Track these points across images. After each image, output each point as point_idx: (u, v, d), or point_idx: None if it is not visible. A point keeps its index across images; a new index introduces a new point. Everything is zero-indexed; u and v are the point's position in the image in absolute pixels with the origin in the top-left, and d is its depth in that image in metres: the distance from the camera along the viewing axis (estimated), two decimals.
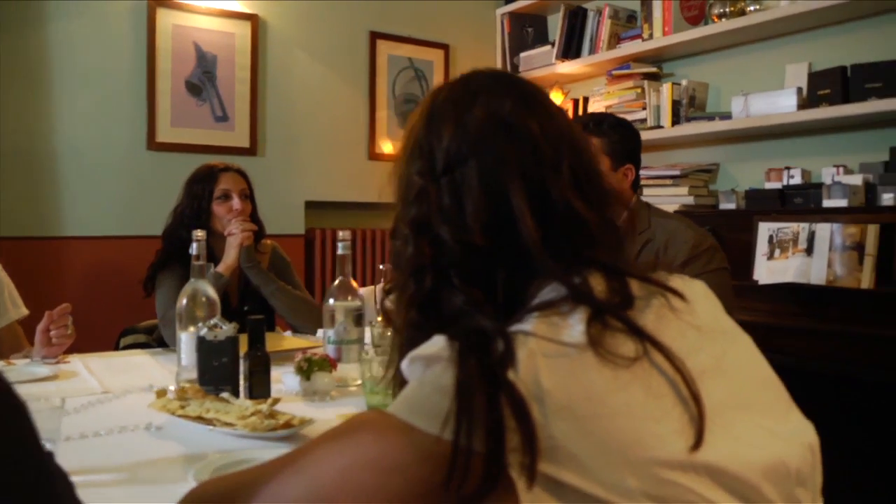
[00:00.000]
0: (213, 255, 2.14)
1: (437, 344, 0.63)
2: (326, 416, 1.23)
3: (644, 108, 3.14)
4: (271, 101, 3.26)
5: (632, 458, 0.58)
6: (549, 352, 0.61)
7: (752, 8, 2.75)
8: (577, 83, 3.57)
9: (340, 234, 1.57)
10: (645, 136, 2.52)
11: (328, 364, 1.39)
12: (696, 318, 0.70)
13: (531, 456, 0.56)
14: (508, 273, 0.70)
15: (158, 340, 2.13)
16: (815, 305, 2.23)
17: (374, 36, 3.50)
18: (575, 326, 0.63)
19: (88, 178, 2.90)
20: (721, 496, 0.59)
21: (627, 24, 3.33)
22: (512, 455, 0.57)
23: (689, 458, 0.59)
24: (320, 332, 2.26)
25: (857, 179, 2.46)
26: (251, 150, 3.19)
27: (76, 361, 1.74)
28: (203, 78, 3.09)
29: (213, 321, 1.30)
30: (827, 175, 2.56)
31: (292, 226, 3.31)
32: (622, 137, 1.92)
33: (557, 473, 0.57)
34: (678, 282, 0.73)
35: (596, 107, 3.35)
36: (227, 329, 1.29)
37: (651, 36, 3.07)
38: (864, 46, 2.52)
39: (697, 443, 0.60)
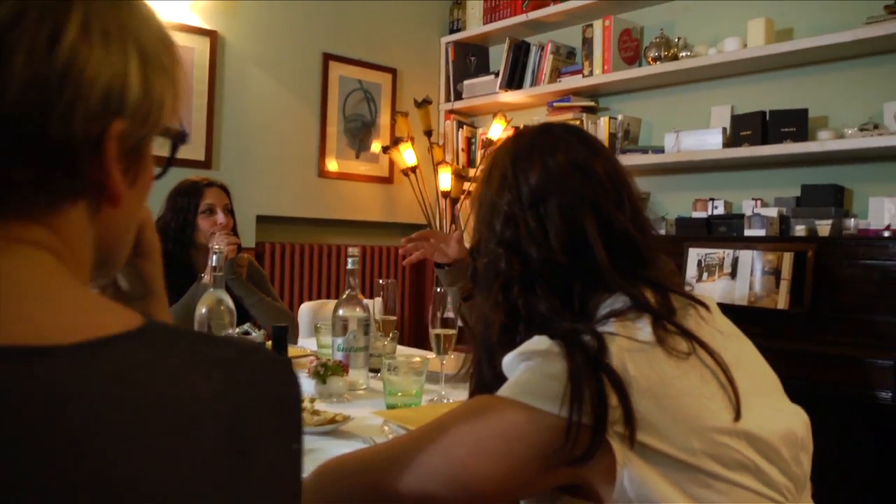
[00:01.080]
0: (194, 266, 2.24)
1: (544, 342, 0.81)
2: (353, 413, 1.39)
3: None
4: (227, 116, 3.34)
5: (695, 426, 0.78)
6: (631, 348, 0.80)
7: (683, 54, 3.08)
8: (518, 112, 3.82)
9: (350, 249, 1.72)
10: None
11: (341, 369, 1.54)
12: (717, 324, 0.92)
13: (631, 427, 0.75)
14: (582, 286, 0.89)
15: None
16: (739, 324, 2.53)
17: (327, 57, 3.64)
18: (644, 329, 0.83)
19: None
20: (754, 455, 0.80)
21: (567, 59, 3.62)
22: (612, 426, 0.76)
23: (733, 426, 0.80)
24: (302, 340, 2.40)
25: (772, 212, 2.80)
26: (206, 164, 3.26)
27: None
28: None
29: (244, 328, 1.43)
30: (747, 207, 2.90)
31: (243, 239, 3.38)
32: None
33: (643, 439, 0.76)
34: (699, 295, 0.95)
35: None
36: (256, 336, 1.42)
37: (591, 73, 3.36)
38: (780, 95, 2.88)
39: (737, 416, 0.80)
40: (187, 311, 2.02)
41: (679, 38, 3.12)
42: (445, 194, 3.67)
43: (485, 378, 0.93)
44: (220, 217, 2.21)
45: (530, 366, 0.81)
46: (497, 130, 3.65)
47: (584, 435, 0.75)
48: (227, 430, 0.45)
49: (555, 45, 3.57)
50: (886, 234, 2.51)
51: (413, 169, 3.61)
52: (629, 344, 0.81)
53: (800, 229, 2.68)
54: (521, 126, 3.70)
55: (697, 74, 3.10)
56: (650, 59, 3.19)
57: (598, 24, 3.32)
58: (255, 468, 0.46)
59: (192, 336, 0.51)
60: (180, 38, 3.04)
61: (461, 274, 2.05)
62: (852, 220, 2.64)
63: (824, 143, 2.65)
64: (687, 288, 0.96)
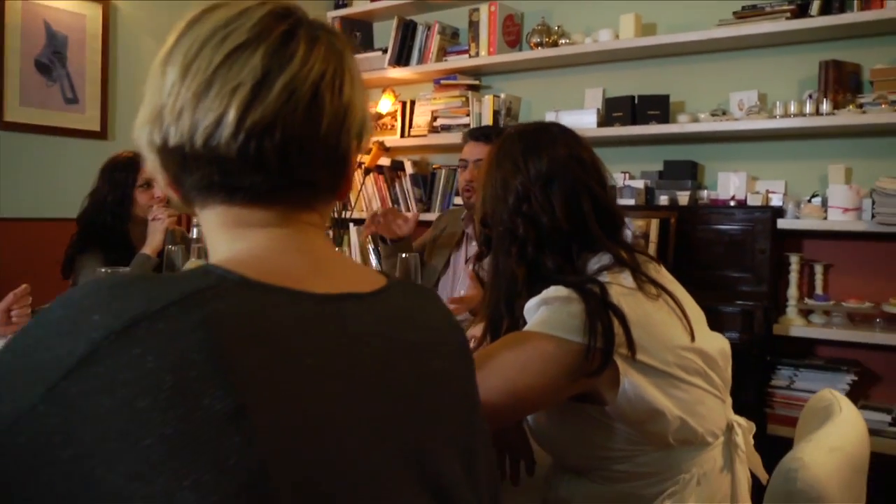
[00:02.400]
0: (131, 239, 2.34)
1: (562, 290, 1.11)
2: None
3: (468, 115, 3.73)
4: (121, 86, 3.34)
5: (668, 345, 1.12)
6: (623, 292, 1.13)
7: (563, 41, 3.46)
8: (405, 87, 4.07)
9: None
10: None
11: None
12: (665, 275, 1.26)
13: (632, 348, 1.08)
14: (578, 247, 1.20)
15: None
16: None
17: None
18: (627, 279, 1.16)
19: None
20: (704, 365, 1.16)
21: (452, 39, 3.90)
22: (618, 348, 1.08)
23: (691, 345, 1.14)
24: None
25: (640, 184, 3.27)
26: (102, 134, 3.26)
27: None
28: (53, 58, 3.10)
29: None
30: (618, 179, 3.35)
31: None
32: None
33: (637, 356, 1.09)
34: (650, 255, 1.29)
35: (423, 110, 3.89)
36: None
37: (477, 54, 3.67)
38: (646, 81, 3.33)
39: (693, 338, 1.15)
40: None
41: (558, 27, 3.50)
42: None
43: (502, 320, 1.23)
44: (158, 191, 2.32)
45: (553, 308, 1.11)
46: (386, 105, 3.89)
47: (597, 355, 1.07)
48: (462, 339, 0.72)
49: (441, 25, 3.85)
50: (732, 203, 3.04)
51: None
52: (620, 290, 1.13)
53: (663, 199, 3.16)
54: (408, 101, 3.97)
55: (574, 60, 3.50)
56: (532, 44, 3.55)
57: (484, 9, 3.63)
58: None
59: (412, 284, 0.76)
60: (72, 6, 3.04)
61: (404, 247, 2.31)
62: (705, 191, 3.16)
63: (683, 125, 3.13)
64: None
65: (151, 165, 0.71)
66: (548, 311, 1.12)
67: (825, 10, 2.84)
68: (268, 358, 0.54)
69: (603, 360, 1.07)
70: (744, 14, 3.01)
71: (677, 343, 1.13)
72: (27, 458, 0.49)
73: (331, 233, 3.94)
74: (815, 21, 2.83)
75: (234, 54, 0.64)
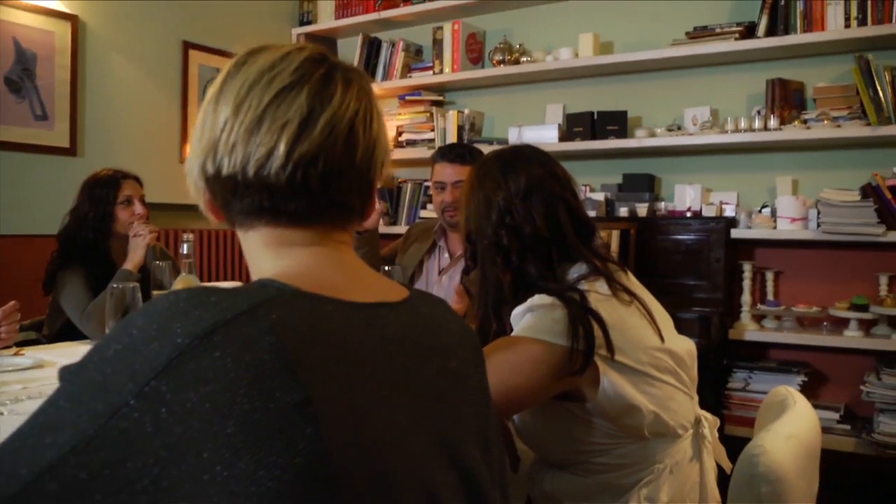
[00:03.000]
0: (111, 255, 2.38)
1: (546, 298, 1.22)
2: None
3: (433, 130, 3.84)
4: (90, 103, 3.37)
5: (641, 346, 1.24)
6: (599, 299, 1.24)
7: (524, 59, 3.60)
8: None
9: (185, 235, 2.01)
10: None
11: None
12: (633, 282, 1.39)
13: (610, 350, 1.19)
14: (557, 255, 1.31)
15: (50, 337, 2.31)
16: None
17: (187, 45, 3.75)
18: (602, 287, 1.27)
19: None
20: (673, 364, 1.28)
21: (416, 56, 4.02)
22: (598, 350, 1.19)
23: (661, 346, 1.26)
24: None
25: (600, 196, 3.41)
26: (71, 151, 3.28)
27: (37, 353, 1.93)
28: (22, 75, 3.12)
29: None
30: (580, 192, 3.48)
31: None
32: None
33: (615, 356, 1.21)
34: (618, 263, 1.41)
35: (390, 125, 3.99)
36: None
37: (441, 70, 3.79)
38: (605, 98, 3.49)
39: (662, 340, 1.27)
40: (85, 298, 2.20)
41: (520, 45, 3.64)
42: None
43: (491, 325, 1.33)
44: (139, 207, 2.37)
45: (538, 314, 1.22)
46: None
47: (579, 357, 1.18)
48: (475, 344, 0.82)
49: (405, 42, 3.96)
50: (688, 214, 3.21)
51: None
52: (598, 297, 1.25)
53: (623, 211, 3.31)
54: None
55: (535, 77, 3.64)
56: (494, 62, 3.68)
57: (447, 27, 3.76)
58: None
59: (428, 294, 0.86)
60: (41, 23, 3.08)
61: (369, 240, 2.40)
62: (662, 203, 3.32)
63: (640, 139, 3.29)
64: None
65: (196, 191, 0.80)
66: (534, 317, 1.22)
67: (771, 31, 3.02)
68: (325, 357, 0.63)
69: (584, 361, 1.18)
70: (696, 34, 3.19)
71: (649, 344, 1.25)
72: (123, 447, 0.57)
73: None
74: (762, 42, 3.01)
75: (281, 94, 0.73)
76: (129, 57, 3.52)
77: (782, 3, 2.98)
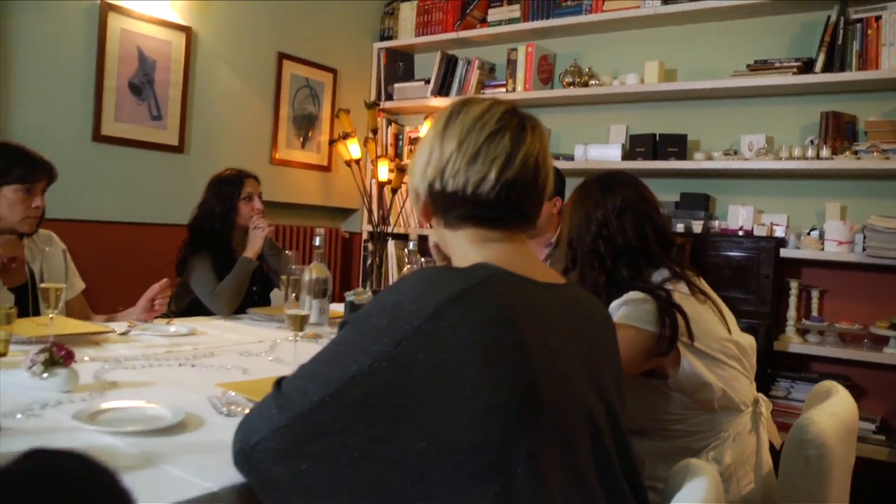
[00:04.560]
0: (231, 244, 2.74)
1: (639, 294, 1.54)
2: None
3: None
4: (197, 106, 3.76)
5: (713, 336, 1.55)
6: (681, 297, 1.55)
7: (592, 82, 3.92)
8: None
9: (317, 230, 2.34)
10: None
11: None
12: (705, 285, 1.70)
13: (690, 336, 1.50)
14: (644, 262, 1.63)
15: (177, 312, 2.67)
16: None
17: (282, 56, 4.14)
18: (683, 287, 1.59)
19: None
20: (738, 352, 1.58)
21: (489, 74, 4.35)
22: (681, 336, 1.50)
23: (729, 337, 1.57)
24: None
25: None
26: (180, 148, 3.67)
27: (180, 324, 2.28)
28: (143, 80, 3.52)
29: (357, 290, 2.04)
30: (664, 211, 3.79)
31: None
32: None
33: (694, 343, 1.52)
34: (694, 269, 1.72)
35: None
36: (368, 294, 2.04)
37: (514, 89, 4.12)
38: (666, 121, 3.78)
39: (730, 332, 1.58)
40: (241, 284, 2.56)
41: (589, 68, 3.95)
42: (383, 184, 4.30)
43: None
44: (258, 203, 2.73)
45: (633, 306, 1.54)
46: (426, 130, 4.31)
47: (665, 341, 1.49)
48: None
49: (480, 61, 4.30)
50: (740, 233, 3.49)
51: (357, 161, 4.20)
52: (679, 295, 1.56)
53: (679, 227, 3.60)
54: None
55: (601, 99, 3.95)
56: (564, 83, 3.99)
57: (521, 49, 4.08)
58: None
59: (570, 284, 1.18)
60: (161, 33, 3.49)
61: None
62: (716, 221, 3.60)
63: (698, 161, 3.58)
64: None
65: (415, 199, 1.14)
66: (629, 308, 1.54)
67: (827, 67, 3.29)
68: (529, 315, 0.96)
69: (669, 345, 1.49)
70: (756, 67, 3.47)
71: (720, 335, 1.56)
72: (401, 371, 0.90)
73: (370, 245, 4.37)
74: (818, 77, 3.29)
75: (490, 137, 1.06)
76: (232, 65, 3.91)
77: (839, 42, 3.25)
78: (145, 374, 1.60)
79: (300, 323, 1.59)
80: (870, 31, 3.19)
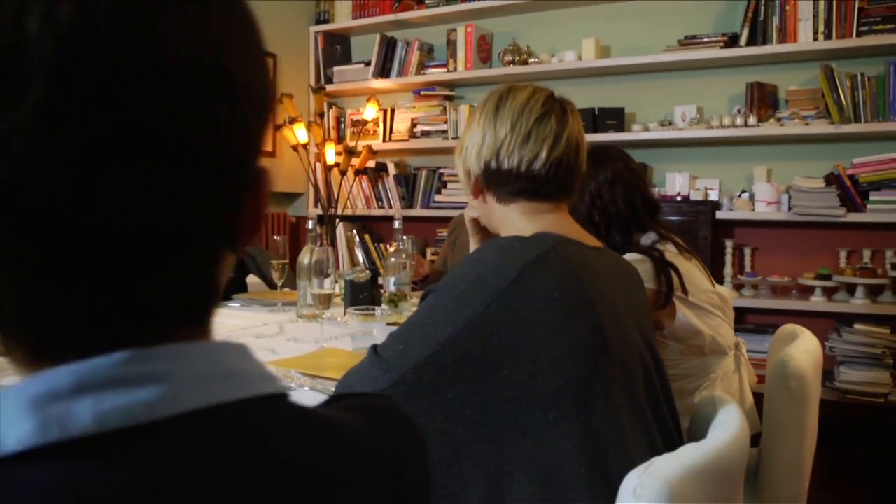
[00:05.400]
0: None
1: (636, 255, 1.72)
2: None
3: (446, 122, 4.32)
4: None
5: (701, 288, 1.76)
6: (672, 255, 1.75)
7: (532, 60, 4.10)
8: (385, 96, 4.61)
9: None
10: (447, 144, 3.82)
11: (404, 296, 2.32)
12: (683, 244, 1.91)
13: (684, 290, 1.71)
14: (634, 227, 1.82)
15: None
16: None
17: None
18: (671, 247, 1.79)
19: None
20: (721, 302, 1.80)
21: (429, 54, 4.48)
22: (676, 291, 1.70)
23: (713, 289, 1.79)
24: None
25: None
26: None
27: None
28: None
29: (356, 268, 2.16)
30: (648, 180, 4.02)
31: None
32: None
33: (686, 296, 1.72)
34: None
35: (403, 117, 4.45)
36: (366, 273, 2.16)
37: (455, 68, 4.27)
38: (604, 96, 4.01)
39: (713, 285, 1.80)
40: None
41: (527, 47, 4.14)
42: (330, 167, 4.38)
43: None
44: None
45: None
46: (371, 112, 4.41)
47: (662, 296, 1.69)
48: None
49: (420, 42, 4.41)
50: (678, 198, 3.76)
51: (305, 145, 4.26)
52: (670, 254, 1.76)
53: None
54: (389, 109, 4.51)
55: (541, 76, 4.14)
56: (504, 62, 4.17)
57: (461, 30, 4.22)
58: None
59: (607, 248, 1.35)
60: None
61: (432, 280, 2.85)
62: (656, 188, 3.87)
63: (636, 133, 3.83)
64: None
65: (465, 177, 1.28)
66: None
67: (751, 41, 3.58)
68: (590, 274, 1.12)
69: (666, 300, 1.69)
70: (685, 42, 3.73)
71: (706, 288, 1.78)
72: (493, 328, 1.04)
73: (318, 228, 4.45)
74: (743, 50, 3.57)
75: (539, 119, 1.21)
76: None
77: (761, 17, 3.54)
78: None
79: (328, 301, 1.71)
80: (787, 7, 3.49)
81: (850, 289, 3.45)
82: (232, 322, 2.22)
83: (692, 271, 1.77)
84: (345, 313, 2.16)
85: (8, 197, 0.35)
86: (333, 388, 1.34)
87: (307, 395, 1.38)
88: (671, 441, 1.19)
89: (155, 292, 0.40)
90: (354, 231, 4.53)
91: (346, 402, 0.52)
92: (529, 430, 1.04)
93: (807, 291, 3.56)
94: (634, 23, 3.96)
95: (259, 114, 0.44)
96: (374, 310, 2.06)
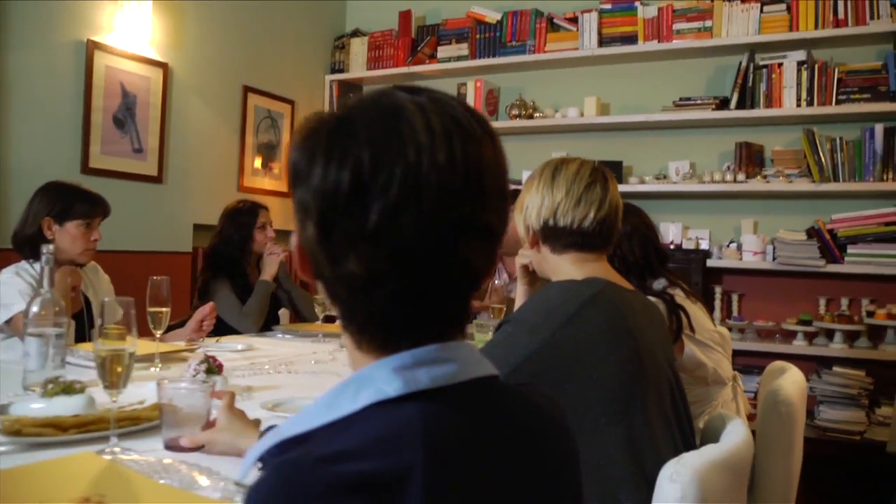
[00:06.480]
0: (247, 270, 3.08)
1: (650, 298, 2.05)
2: None
3: None
4: (173, 137, 4.05)
5: (705, 328, 2.09)
6: (680, 299, 2.08)
7: (536, 114, 4.48)
8: None
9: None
10: None
11: None
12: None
13: (692, 329, 2.03)
14: (648, 273, 2.15)
15: None
16: None
17: (247, 89, 4.47)
18: (679, 292, 2.12)
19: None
20: (721, 341, 2.13)
21: None
22: (684, 329, 2.03)
23: (714, 329, 2.12)
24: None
25: None
26: (158, 179, 3.95)
27: (237, 341, 2.62)
28: (126, 114, 3.79)
29: None
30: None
31: (182, 244, 4.13)
32: None
33: (694, 334, 2.05)
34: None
35: None
36: None
37: None
38: (603, 149, 4.38)
39: (714, 325, 2.13)
40: (263, 304, 2.92)
41: (532, 102, 4.51)
42: None
43: None
44: (271, 231, 3.10)
45: None
46: None
47: (673, 333, 2.01)
48: None
49: None
50: (672, 246, 4.12)
51: None
52: (679, 297, 2.09)
53: None
54: None
55: (544, 130, 4.52)
56: (511, 115, 4.53)
57: (471, 84, 4.60)
58: None
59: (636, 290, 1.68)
60: (141, 69, 3.79)
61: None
62: None
63: (633, 185, 4.19)
64: None
65: (525, 231, 1.60)
66: None
67: (740, 104, 3.98)
68: (630, 310, 1.44)
69: (676, 336, 2.02)
70: (680, 103, 4.13)
71: (709, 327, 2.10)
72: (558, 350, 1.36)
73: None
74: (733, 112, 3.97)
75: (588, 186, 1.55)
76: (204, 98, 4.22)
77: (750, 84, 3.94)
78: (259, 380, 1.97)
79: None
80: (773, 76, 3.90)
81: (829, 334, 3.80)
82: (283, 350, 2.51)
83: (697, 313, 2.10)
84: None
85: (402, 255, 0.66)
86: None
87: None
88: (690, 445, 1.50)
89: (456, 312, 0.72)
90: None
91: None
92: (583, 434, 1.35)
93: (789, 335, 3.91)
94: (633, 84, 4.36)
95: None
96: None
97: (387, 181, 0.64)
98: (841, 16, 3.75)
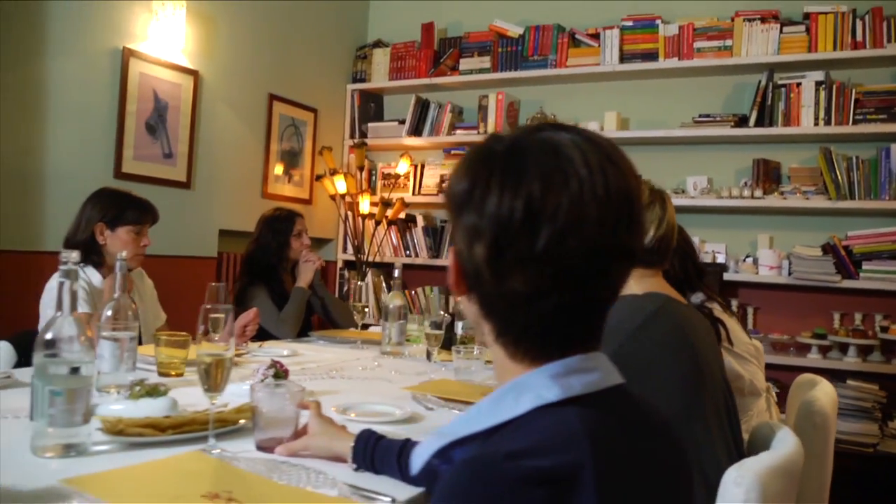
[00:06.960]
0: (283, 276, 3.17)
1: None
2: None
3: None
4: (202, 144, 4.14)
5: (742, 341, 2.19)
6: (719, 312, 2.19)
7: None
8: (416, 152, 5.05)
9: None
10: None
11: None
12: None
13: (730, 342, 2.14)
14: (687, 289, 2.26)
15: None
16: None
17: (272, 97, 4.57)
18: (717, 306, 2.23)
19: (68, 199, 3.51)
20: (755, 353, 2.24)
21: (459, 116, 4.95)
22: (723, 342, 2.13)
23: (749, 341, 2.22)
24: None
25: None
26: (187, 185, 4.04)
27: (280, 347, 2.70)
28: (157, 120, 3.88)
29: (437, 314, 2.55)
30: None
31: (207, 249, 4.21)
32: None
33: (732, 347, 2.15)
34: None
35: (432, 172, 4.90)
36: (446, 317, 2.56)
37: (485, 131, 4.73)
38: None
39: (749, 337, 2.23)
40: (300, 311, 3.02)
41: (553, 115, 4.63)
42: (364, 216, 4.80)
43: None
44: (306, 239, 3.19)
45: None
46: (404, 167, 4.85)
47: None
48: None
49: (451, 105, 4.89)
50: None
51: (343, 195, 4.67)
52: (718, 311, 2.19)
53: None
54: (419, 164, 4.96)
55: None
56: None
57: (492, 96, 4.70)
58: None
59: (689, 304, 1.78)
60: (173, 77, 3.90)
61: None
62: None
63: None
64: None
65: None
66: None
67: (758, 122, 4.10)
68: (691, 324, 1.54)
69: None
70: (699, 120, 4.24)
71: (745, 340, 2.21)
72: (626, 360, 1.45)
73: (346, 273, 4.84)
74: (751, 130, 4.09)
75: (648, 206, 1.65)
76: (231, 106, 4.32)
77: (768, 102, 4.06)
78: (315, 385, 2.06)
79: (439, 341, 2.10)
80: (792, 95, 4.02)
81: (843, 348, 3.92)
82: (326, 356, 2.60)
83: (734, 326, 2.21)
84: (433, 352, 2.52)
85: (564, 275, 0.76)
86: (463, 409, 1.73)
87: (444, 414, 1.77)
88: (741, 452, 1.60)
89: (598, 325, 0.82)
90: (393, 276, 4.92)
91: None
92: None
93: (804, 349, 4.02)
94: (653, 100, 4.47)
95: None
96: (476, 349, 2.38)
97: (554, 210, 0.74)
98: (859, 38, 3.87)
